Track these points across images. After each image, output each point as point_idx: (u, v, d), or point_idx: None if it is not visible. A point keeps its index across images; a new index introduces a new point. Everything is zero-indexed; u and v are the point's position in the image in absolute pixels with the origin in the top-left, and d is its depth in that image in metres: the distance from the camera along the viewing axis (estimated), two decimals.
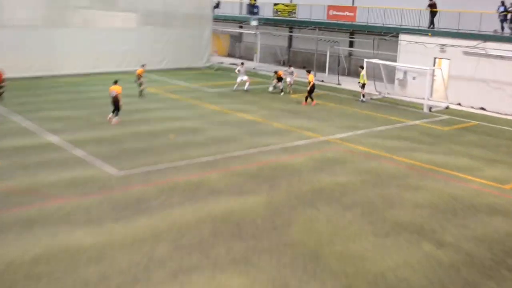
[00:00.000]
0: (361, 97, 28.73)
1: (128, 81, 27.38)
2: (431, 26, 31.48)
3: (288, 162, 17.06)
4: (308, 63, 37.20)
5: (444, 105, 28.05)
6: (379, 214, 13.03)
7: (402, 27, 32.73)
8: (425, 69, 28.26)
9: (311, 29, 39.71)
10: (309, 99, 26.80)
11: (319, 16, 39.64)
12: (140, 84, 26.91)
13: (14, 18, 31.81)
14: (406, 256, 10.92)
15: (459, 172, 16.69)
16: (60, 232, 11.35)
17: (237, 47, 50.73)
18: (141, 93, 26.90)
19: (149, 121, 22.07)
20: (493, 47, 27.26)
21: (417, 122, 24.24)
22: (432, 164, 17.41)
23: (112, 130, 20.32)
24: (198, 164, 16.51)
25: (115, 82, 21.51)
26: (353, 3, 39.10)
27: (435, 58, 30.14)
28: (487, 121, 25.07)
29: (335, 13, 38.58)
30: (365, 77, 28.35)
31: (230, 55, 50.38)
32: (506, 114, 26.62)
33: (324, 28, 38.92)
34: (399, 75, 32.22)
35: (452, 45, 29.01)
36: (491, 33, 28.43)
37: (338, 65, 36.95)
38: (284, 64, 41.17)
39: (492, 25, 28.76)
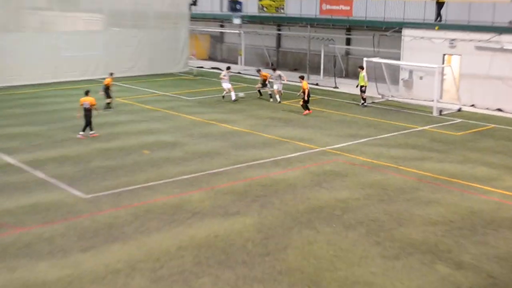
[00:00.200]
0: (362, 101, 28.92)
1: (95, 91, 27.27)
2: (438, 19, 31.82)
3: (280, 178, 17.07)
4: (299, 65, 37.38)
5: (456, 107, 28.29)
6: (386, 233, 13.05)
7: (406, 21, 33.07)
8: (433, 67, 28.40)
9: (302, 26, 39.98)
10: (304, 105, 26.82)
11: (311, 11, 39.95)
12: (108, 96, 26.68)
13: None
14: (419, 280, 10.93)
15: (476, 183, 16.80)
16: (20, 266, 11.24)
17: (218, 49, 50.92)
18: (108, 106, 26.66)
19: (119, 135, 22.01)
20: (509, 41, 27.56)
21: (426, 127, 24.42)
22: (445, 175, 17.51)
23: (77, 147, 20.23)
24: (177, 182, 16.47)
25: (87, 93, 21.53)
26: None
27: (444, 54, 30.44)
28: (506, 124, 25.29)
29: (328, 7, 38.90)
30: (365, 79, 28.56)
31: (211, 58, 50.57)
32: None
33: (317, 24, 39.20)
34: (403, 75, 32.46)
35: (463, 40, 29.28)
36: (507, 25, 28.74)
37: (334, 66, 37.15)
38: (272, 66, 41.24)
39: (507, 15, 29.09)
